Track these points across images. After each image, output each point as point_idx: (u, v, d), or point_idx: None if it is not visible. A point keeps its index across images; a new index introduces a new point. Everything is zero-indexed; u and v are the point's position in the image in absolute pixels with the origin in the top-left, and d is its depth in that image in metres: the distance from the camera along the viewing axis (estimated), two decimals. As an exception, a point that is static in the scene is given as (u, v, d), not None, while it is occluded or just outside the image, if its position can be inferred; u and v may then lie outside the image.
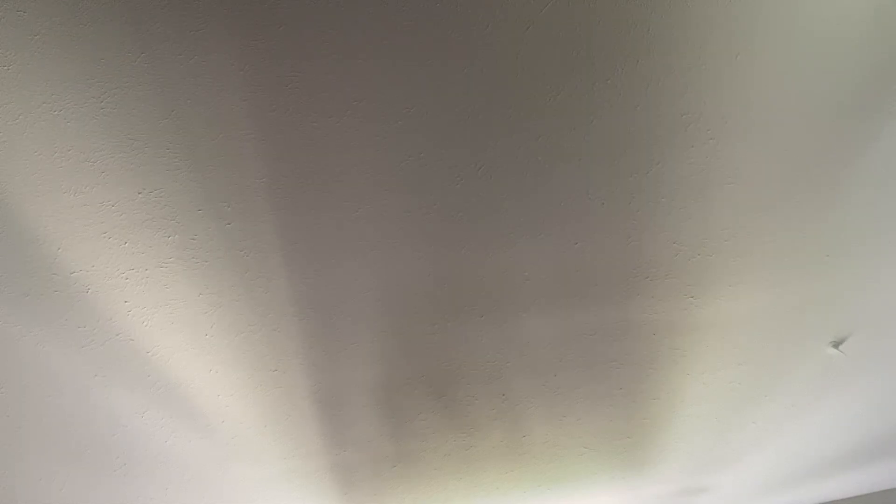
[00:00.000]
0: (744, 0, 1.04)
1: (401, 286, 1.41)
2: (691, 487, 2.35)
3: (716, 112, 1.20)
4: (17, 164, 1.11)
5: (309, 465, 1.82)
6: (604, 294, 1.50)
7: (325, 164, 1.19)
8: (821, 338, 1.73)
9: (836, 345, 1.74)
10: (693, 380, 1.78)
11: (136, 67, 1.01)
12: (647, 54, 1.10)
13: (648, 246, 1.42)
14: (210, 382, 1.54)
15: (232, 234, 1.27)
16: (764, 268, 1.51)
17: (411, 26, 1.02)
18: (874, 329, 1.72)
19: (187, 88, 1.05)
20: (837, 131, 1.27)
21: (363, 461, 1.85)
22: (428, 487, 2.02)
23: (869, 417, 2.10)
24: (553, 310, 1.52)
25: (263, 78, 1.06)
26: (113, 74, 1.02)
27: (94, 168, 1.13)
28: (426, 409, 1.72)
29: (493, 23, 1.03)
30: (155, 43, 0.99)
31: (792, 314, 1.64)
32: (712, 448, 2.11)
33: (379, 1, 0.99)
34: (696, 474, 2.26)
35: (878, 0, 1.06)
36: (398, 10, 1.00)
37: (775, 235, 1.44)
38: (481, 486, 2.08)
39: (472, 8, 1.01)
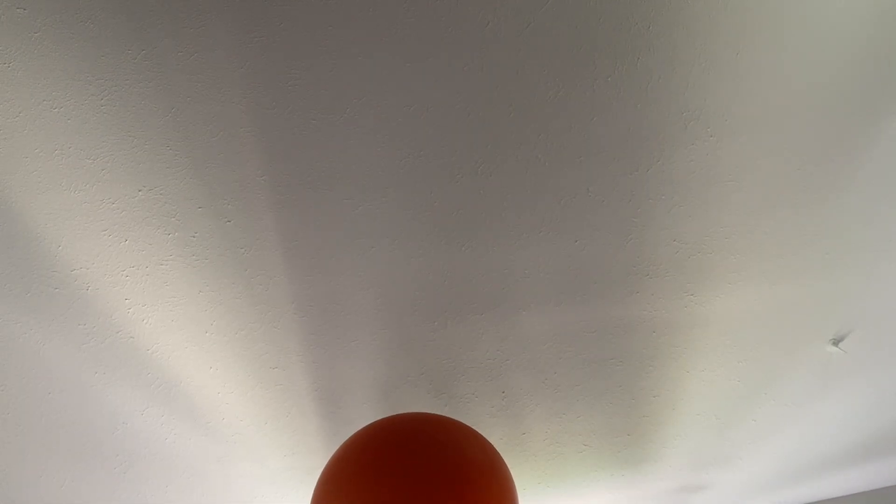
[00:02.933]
0: (744, -3, 1.04)
1: (400, 284, 1.41)
2: (691, 484, 2.36)
3: (716, 110, 1.20)
4: (16, 161, 1.11)
5: (309, 463, 1.82)
6: (603, 291, 1.51)
7: (324, 162, 1.19)
8: (821, 335, 1.73)
9: (837, 342, 1.74)
10: (693, 377, 1.78)
11: (136, 65, 1.01)
12: (648, 52, 1.10)
13: (648, 243, 1.42)
14: (210, 380, 1.54)
15: (232, 231, 1.27)
16: (764, 265, 1.51)
17: (411, 24, 1.02)
18: (874, 327, 1.72)
19: (187, 86, 1.05)
20: (839, 129, 1.27)
21: (363, 458, 1.85)
22: (428, 485, 2.03)
23: (869, 415, 2.11)
24: (553, 307, 1.52)
25: (263, 75, 1.06)
26: (113, 72, 1.02)
27: (94, 165, 1.13)
28: (426, 407, 1.72)
29: (493, 20, 1.03)
30: (155, 40, 0.99)
31: (792, 312, 1.64)
32: (712, 445, 2.11)
33: (379, -2, 0.99)
34: (696, 471, 2.26)
35: (878, -3, 1.06)
36: (398, 8, 1.00)
37: (775, 233, 1.44)
38: (481, 484, 2.08)
39: (473, 6, 1.01)
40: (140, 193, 1.19)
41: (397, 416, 1.39)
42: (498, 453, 1.37)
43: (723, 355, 1.73)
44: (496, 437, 1.87)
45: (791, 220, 1.42)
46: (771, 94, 1.19)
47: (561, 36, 1.07)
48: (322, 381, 1.59)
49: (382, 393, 1.66)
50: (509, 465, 2.02)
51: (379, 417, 1.72)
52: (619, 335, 1.62)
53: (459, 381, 1.66)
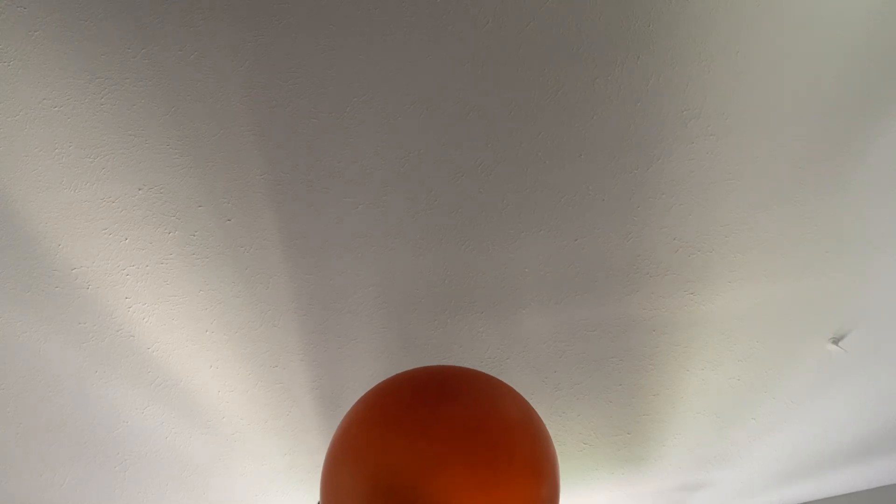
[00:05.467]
0: (745, -5, 1.04)
1: (401, 282, 1.41)
2: (691, 483, 2.36)
3: (717, 108, 1.20)
4: (17, 160, 1.11)
5: (310, 461, 1.82)
6: (604, 290, 1.50)
7: (325, 160, 1.19)
8: (821, 334, 1.73)
9: (837, 341, 1.74)
10: (693, 376, 1.78)
11: (137, 63, 1.01)
12: (649, 50, 1.10)
13: (649, 242, 1.42)
14: (210, 379, 1.54)
15: (232, 230, 1.27)
16: (764, 264, 1.51)
17: (412, 22, 1.02)
18: (874, 325, 1.72)
19: (187, 84, 1.05)
20: (838, 128, 1.27)
21: (364, 457, 1.85)
22: (428, 483, 2.03)
23: (869, 414, 2.11)
24: (553, 306, 1.52)
25: (264, 74, 1.06)
26: (113, 70, 1.02)
27: (95, 164, 1.13)
28: (426, 406, 1.72)
29: (493, 18, 1.03)
30: (155, 39, 0.99)
31: (792, 310, 1.64)
32: (712, 444, 2.11)
33: (379, -4, 0.99)
34: (696, 470, 2.27)
35: (879, -5, 1.06)
36: (398, 8, 1.00)
37: (775, 231, 1.44)
38: (481, 482, 2.07)
39: (473, 4, 1.01)
40: (140, 192, 1.19)
41: (421, 368, 1.23)
42: (535, 411, 1.19)
43: (723, 354, 1.73)
44: (496, 435, 1.87)
45: (791, 219, 1.42)
46: (771, 94, 1.19)
47: (561, 34, 1.07)
48: (322, 379, 1.59)
49: (383, 391, 1.66)
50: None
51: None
52: (620, 334, 1.62)
53: (459, 380, 1.66)
